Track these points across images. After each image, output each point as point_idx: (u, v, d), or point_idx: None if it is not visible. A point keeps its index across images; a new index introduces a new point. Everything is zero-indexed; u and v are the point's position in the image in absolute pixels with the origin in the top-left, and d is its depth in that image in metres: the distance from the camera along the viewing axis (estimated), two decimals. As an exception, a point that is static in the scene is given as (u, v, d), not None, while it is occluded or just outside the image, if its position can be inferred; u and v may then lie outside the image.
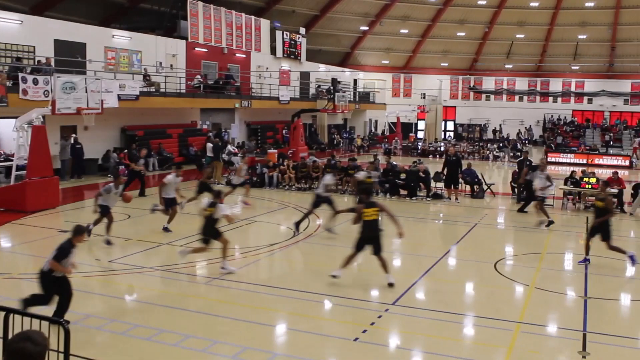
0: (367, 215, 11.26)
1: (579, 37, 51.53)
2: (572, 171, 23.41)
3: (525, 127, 55.47)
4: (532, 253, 14.76)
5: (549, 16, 50.80)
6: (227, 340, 8.73)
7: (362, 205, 11.63)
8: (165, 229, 15.45)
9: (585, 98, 55.96)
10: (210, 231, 12.04)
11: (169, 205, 15.72)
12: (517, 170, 22.96)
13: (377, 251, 11.34)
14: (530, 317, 10.19)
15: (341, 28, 50.62)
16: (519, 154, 33.02)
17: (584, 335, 9.27)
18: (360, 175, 19.31)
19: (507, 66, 56.04)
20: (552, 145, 47.50)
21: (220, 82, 33.85)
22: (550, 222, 17.54)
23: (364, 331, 9.27)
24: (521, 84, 57.14)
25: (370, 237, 11.33)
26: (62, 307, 8.86)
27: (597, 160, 38.42)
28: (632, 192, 21.78)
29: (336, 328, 9.51)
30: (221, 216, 12.06)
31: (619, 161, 38.31)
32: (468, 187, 23.55)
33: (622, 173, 26.39)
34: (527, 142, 51.66)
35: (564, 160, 38.89)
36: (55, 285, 8.83)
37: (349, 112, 47.22)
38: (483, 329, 9.65)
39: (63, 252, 8.85)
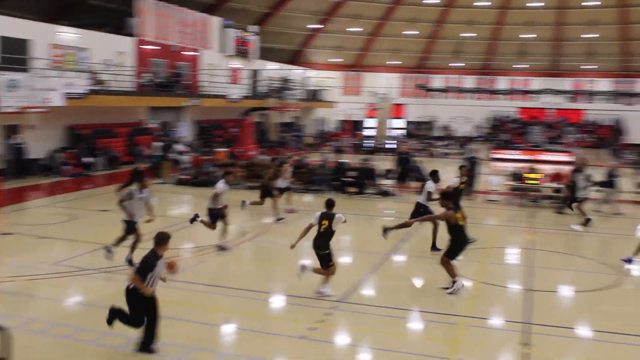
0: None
1: (525, 36, 52.57)
2: (531, 167, 23.83)
3: (474, 125, 56.34)
4: (478, 248, 15.03)
5: (496, 15, 51.69)
6: (175, 341, 8.67)
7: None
8: (221, 248, 13.85)
9: (531, 96, 57.21)
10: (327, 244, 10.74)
11: (218, 218, 13.93)
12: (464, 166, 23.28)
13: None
14: (476, 311, 10.40)
15: (292, 26, 50.60)
16: (467, 151, 33.53)
17: (528, 327, 9.51)
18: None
19: (456, 64, 56.89)
20: (499, 142, 48.32)
21: (170, 81, 33.52)
22: (588, 220, 17.67)
23: (312, 329, 9.33)
24: (469, 81, 58.08)
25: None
26: (149, 334, 8.15)
27: (541, 157, 39.28)
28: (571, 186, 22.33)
29: (284, 326, 9.54)
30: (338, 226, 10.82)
31: (562, 157, 39.25)
32: (416, 184, 23.86)
33: (566, 169, 27.03)
34: (475, 139, 52.47)
35: (510, 157, 39.64)
36: (142, 304, 8.02)
37: (299, 110, 47.25)
38: (430, 323, 9.82)
39: (147, 265, 7.94)
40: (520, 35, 52.44)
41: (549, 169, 25.90)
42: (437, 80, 58.50)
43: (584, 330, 9.81)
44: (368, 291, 11.63)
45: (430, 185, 14.52)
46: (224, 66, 39.44)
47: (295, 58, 54.56)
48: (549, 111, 56.59)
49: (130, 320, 8.21)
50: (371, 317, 10.10)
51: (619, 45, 52.24)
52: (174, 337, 8.77)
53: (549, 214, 20.24)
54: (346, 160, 25.80)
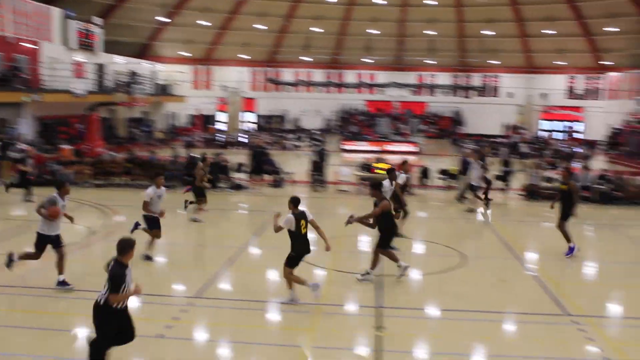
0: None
1: (371, 32, 54.41)
2: (380, 158, 24.76)
3: (323, 118, 57.57)
4: (330, 237, 15.46)
5: (343, 11, 53.07)
6: (21, 351, 8.26)
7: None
8: (147, 257, 12.66)
9: (377, 89, 59.43)
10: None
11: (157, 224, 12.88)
12: (315, 160, 23.85)
13: None
14: (331, 298, 10.72)
15: (140, 18, 49.08)
16: (317, 143, 34.32)
17: (378, 311, 9.95)
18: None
19: (305, 59, 57.83)
20: (347, 134, 49.71)
21: (6, 75, 31.43)
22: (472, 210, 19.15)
23: (169, 327, 9.22)
24: (319, 75, 59.30)
25: None
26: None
27: (388, 147, 40.95)
28: (421, 175, 23.59)
29: (139, 326, 9.32)
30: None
31: (408, 147, 41.17)
32: (269, 177, 24.13)
33: (411, 158, 28.37)
34: (324, 132, 53.63)
35: (359, 148, 40.99)
36: (114, 320, 7.33)
37: (148, 105, 46.05)
38: (287, 314, 9.99)
39: (117, 279, 7.19)
40: (367, 31, 54.20)
41: (396, 158, 27.04)
42: (287, 74, 59.19)
43: (431, 310, 10.39)
44: (224, 285, 11.64)
45: (385, 185, 14.31)
46: (67, 60, 37.55)
47: (143, 52, 53.04)
48: (394, 103, 59.07)
49: (102, 343, 7.39)
50: (228, 311, 10.14)
51: (456, 41, 55.46)
52: (19, 348, 8.36)
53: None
54: (198, 155, 25.53)
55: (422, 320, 9.96)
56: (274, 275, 12.32)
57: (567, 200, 13.94)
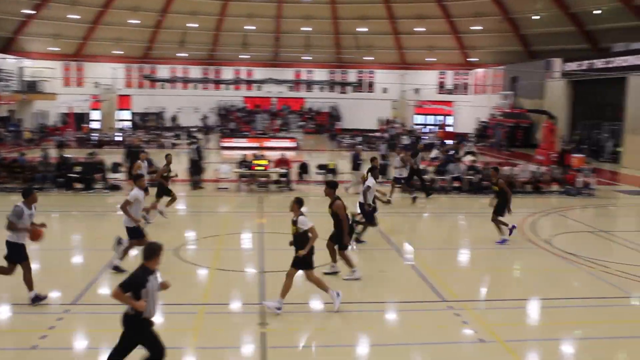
0: None
1: (248, 27, 54.21)
2: (257, 154, 24.67)
3: (201, 115, 56.76)
4: (211, 236, 15.33)
5: (219, 7, 52.54)
6: None
7: None
8: (116, 268, 11.82)
9: (255, 85, 59.39)
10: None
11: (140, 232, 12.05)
12: (193, 158, 23.45)
13: None
14: (214, 297, 10.62)
15: (3, 10, 46.21)
16: (195, 141, 33.76)
17: (264, 308, 9.95)
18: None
19: (181, 55, 56.82)
20: (226, 131, 49.39)
21: None
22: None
23: (43, 337, 8.78)
24: (195, 72, 58.47)
25: None
26: None
27: (267, 144, 40.98)
28: (300, 170, 23.79)
29: (9, 338, 8.83)
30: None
31: (287, 143, 41.39)
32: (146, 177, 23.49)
33: (290, 154, 28.57)
34: (202, 129, 52.90)
35: (238, 145, 40.71)
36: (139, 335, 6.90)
37: (14, 103, 43.61)
38: (169, 315, 9.78)
39: (133, 279, 6.83)
40: (244, 27, 53.94)
41: (275, 154, 27.10)
42: (163, 71, 57.99)
43: (314, 304, 10.50)
44: (102, 290, 11.23)
45: (371, 182, 14.29)
46: None
47: (7, 46, 50.07)
48: (272, 99, 59.30)
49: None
50: (107, 316, 9.76)
51: (331, 38, 56.34)
52: None
53: (277, 197, 21.25)
54: (70, 156, 24.46)
55: (306, 314, 10.06)
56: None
57: (501, 197, 14.87)
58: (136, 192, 11.97)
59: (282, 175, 22.90)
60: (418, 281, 11.79)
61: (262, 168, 22.64)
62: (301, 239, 9.94)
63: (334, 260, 11.90)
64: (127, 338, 6.95)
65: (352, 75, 60.15)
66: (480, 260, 14.08)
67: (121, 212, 11.94)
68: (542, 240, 15.44)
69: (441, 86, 59.48)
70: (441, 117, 58.53)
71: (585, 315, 10.27)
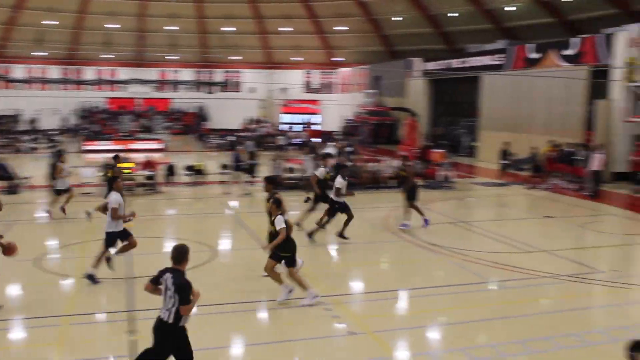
0: None
1: (110, 26, 52.35)
2: (115, 156, 23.89)
3: (62, 117, 54.30)
4: (75, 243, 14.75)
5: (79, 4, 50.36)
6: None
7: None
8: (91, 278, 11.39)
9: (119, 86, 57.61)
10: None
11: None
12: (53, 162, 22.43)
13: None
14: (79, 307, 10.24)
15: None
16: (55, 144, 32.33)
17: (132, 315, 9.72)
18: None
19: (39, 54, 54.02)
20: (89, 134, 47.52)
21: None
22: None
23: None
24: (55, 72, 55.85)
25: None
26: None
27: (133, 146, 39.89)
28: (167, 172, 23.35)
29: None
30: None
31: (153, 145, 40.50)
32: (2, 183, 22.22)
33: (156, 156, 28.00)
34: (63, 132, 50.63)
35: (102, 148, 39.28)
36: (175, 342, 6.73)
37: None
38: (31, 329, 9.34)
39: (187, 288, 6.90)
40: (105, 25, 52.04)
41: (141, 157, 26.47)
42: (19, 70, 54.96)
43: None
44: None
45: (338, 181, 14.68)
46: None
47: None
48: (137, 100, 57.74)
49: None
50: None
51: (197, 37, 55.63)
52: None
53: (144, 200, 20.75)
54: None
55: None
56: (16, 289, 11.45)
57: (407, 184, 16.71)
58: (117, 197, 11.91)
59: (148, 177, 22.39)
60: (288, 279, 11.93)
61: (128, 171, 22.03)
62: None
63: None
64: (164, 347, 6.83)
65: (219, 75, 59.72)
66: (348, 255, 14.45)
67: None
68: (406, 233, 16.08)
69: (308, 85, 60.34)
70: (308, 116, 59.36)
71: (448, 302, 10.81)
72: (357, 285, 12.22)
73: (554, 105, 29.99)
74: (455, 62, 39.29)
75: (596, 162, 22.86)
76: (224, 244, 15.55)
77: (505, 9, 38.81)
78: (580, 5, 34.64)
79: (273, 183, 12.37)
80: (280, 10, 52.43)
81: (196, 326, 9.46)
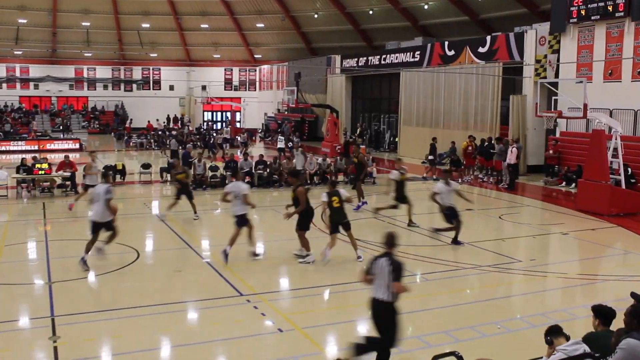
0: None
1: (20, 21, 50.42)
2: (23, 158, 23.07)
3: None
4: (-9, 248, 14.17)
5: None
6: None
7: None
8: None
9: (32, 84, 55.55)
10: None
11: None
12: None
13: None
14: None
15: None
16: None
17: (53, 320, 9.43)
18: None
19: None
20: (1, 134, 45.72)
21: None
22: None
23: None
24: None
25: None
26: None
27: (49, 146, 38.63)
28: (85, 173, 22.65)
29: None
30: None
31: (70, 145, 39.33)
32: None
33: (74, 156, 27.20)
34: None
35: (15, 148, 37.88)
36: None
37: None
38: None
39: (402, 269, 7.43)
40: (17, 20, 50.08)
41: (58, 157, 25.66)
42: None
43: (110, 310, 10.15)
44: None
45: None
46: None
47: None
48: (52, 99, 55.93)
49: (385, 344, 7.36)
50: None
51: (114, 34, 54.32)
52: None
53: (62, 202, 20.13)
54: None
55: (101, 322, 9.66)
56: None
57: (359, 169, 19.72)
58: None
59: (66, 178, 21.70)
60: (215, 278, 11.85)
61: (44, 172, 21.30)
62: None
63: (307, 247, 13.20)
64: (386, 326, 7.38)
65: (137, 73, 58.49)
66: (275, 252, 14.45)
67: None
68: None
69: (228, 83, 59.88)
70: (229, 114, 58.96)
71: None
72: (283, 282, 12.25)
73: (470, 101, 30.88)
74: (375, 59, 39.85)
75: (512, 155, 23.68)
76: (148, 245, 15.27)
77: (421, 6, 39.71)
78: (492, 4, 35.79)
79: (297, 176, 14.19)
80: (198, 7, 51.88)
81: (123, 330, 9.30)
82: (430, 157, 27.56)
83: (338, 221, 13.06)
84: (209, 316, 9.94)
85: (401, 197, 16.83)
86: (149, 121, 49.94)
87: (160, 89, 58.72)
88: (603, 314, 6.18)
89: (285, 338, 8.98)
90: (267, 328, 9.40)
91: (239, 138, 41.11)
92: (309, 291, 11.21)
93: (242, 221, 13.00)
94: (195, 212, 17.52)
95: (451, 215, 14.59)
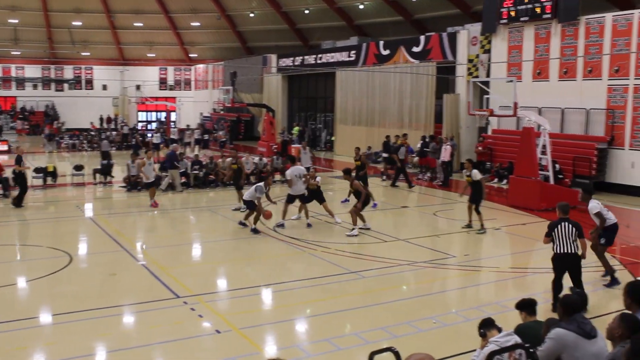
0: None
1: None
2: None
3: None
4: None
5: None
6: None
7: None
8: None
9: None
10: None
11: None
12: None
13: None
14: None
15: None
16: None
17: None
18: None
19: None
20: None
21: None
22: None
23: None
24: None
25: None
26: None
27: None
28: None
29: None
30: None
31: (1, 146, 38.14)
32: None
33: (2, 158, 26.37)
34: None
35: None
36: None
37: None
38: None
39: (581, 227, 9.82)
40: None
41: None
42: None
43: (43, 317, 9.89)
44: None
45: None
46: None
47: None
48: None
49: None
50: None
51: (43, 32, 52.78)
52: None
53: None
54: None
55: (34, 329, 9.40)
56: None
57: (362, 170, 20.39)
58: None
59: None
60: (151, 280, 11.68)
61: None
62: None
63: (363, 220, 15.98)
64: (578, 269, 9.80)
65: (68, 72, 57.01)
66: (212, 253, 14.36)
67: None
68: (267, 228, 16.21)
69: (163, 82, 59.03)
70: (164, 114, 58.15)
71: (312, 294, 11.03)
72: (221, 283, 12.18)
73: (405, 100, 31.35)
74: (310, 59, 39.97)
75: (446, 153, 24.14)
76: (82, 248, 14.93)
77: (357, 6, 40.04)
78: (426, 4, 36.39)
79: (349, 173, 16.54)
80: (130, 5, 50.97)
81: (57, 337, 9.08)
82: (384, 155, 27.60)
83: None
84: (146, 319, 9.80)
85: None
86: (92, 123, 49.04)
87: (92, 89, 57.37)
88: (525, 305, 6.58)
89: (224, 339, 8.94)
90: (205, 330, 9.33)
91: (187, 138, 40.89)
92: (246, 291, 11.17)
93: (305, 198, 16.81)
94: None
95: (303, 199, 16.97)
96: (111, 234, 15.55)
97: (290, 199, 16.79)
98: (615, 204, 19.86)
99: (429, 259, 13.43)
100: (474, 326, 6.31)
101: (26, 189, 19.33)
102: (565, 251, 9.57)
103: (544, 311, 9.28)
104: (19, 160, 19.41)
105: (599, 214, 11.43)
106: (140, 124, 54.72)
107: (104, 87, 56.85)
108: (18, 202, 18.89)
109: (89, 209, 19.88)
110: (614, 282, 11.33)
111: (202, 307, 10.11)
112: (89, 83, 57.47)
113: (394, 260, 13.23)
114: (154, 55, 57.06)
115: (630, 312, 5.54)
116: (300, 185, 16.59)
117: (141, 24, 52.65)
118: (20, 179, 19.10)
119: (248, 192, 15.87)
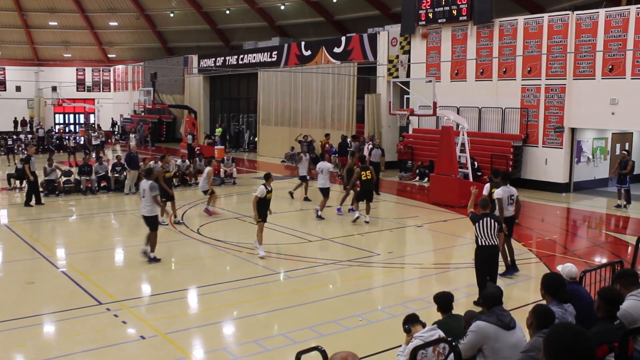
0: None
1: None
2: None
3: None
4: None
5: None
6: None
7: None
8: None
9: None
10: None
11: None
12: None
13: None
14: None
15: None
16: None
17: None
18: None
19: None
20: None
21: None
22: None
23: None
24: None
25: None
26: None
27: None
28: None
29: None
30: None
31: None
32: None
33: None
34: None
35: None
36: None
37: None
38: None
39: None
40: None
41: None
42: None
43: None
44: None
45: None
46: None
47: None
48: None
49: None
50: None
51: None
52: None
53: None
54: None
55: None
56: None
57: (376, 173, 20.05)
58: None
59: None
60: (72, 287, 11.35)
61: None
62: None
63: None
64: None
65: (-22, 72, 54.70)
66: (134, 258, 14.06)
67: None
68: (191, 230, 16.04)
69: (81, 83, 57.39)
70: (83, 116, 56.57)
71: (238, 296, 10.97)
72: (144, 288, 11.96)
73: (327, 100, 31.59)
74: (232, 59, 39.74)
75: (375, 154, 24.40)
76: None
77: (278, 7, 40.08)
78: (346, 6, 36.79)
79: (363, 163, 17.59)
80: (44, 3, 49.37)
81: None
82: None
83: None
84: (67, 328, 9.52)
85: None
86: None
87: (5, 90, 55.16)
88: (438, 303, 6.76)
89: (149, 345, 8.78)
90: (130, 336, 9.15)
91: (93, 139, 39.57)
92: (170, 295, 11.01)
93: (327, 192, 18.13)
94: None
95: None
96: (28, 241, 15.03)
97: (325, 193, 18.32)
98: (531, 199, 20.64)
99: (354, 258, 13.58)
100: (399, 322, 6.43)
101: None
102: (488, 244, 9.99)
103: (464, 305, 9.57)
104: (27, 160, 19.82)
105: (499, 201, 12.01)
106: (57, 127, 52.98)
107: (18, 89, 54.77)
108: None
109: (3, 216, 19.14)
110: (509, 271, 11.91)
111: (125, 313, 9.91)
112: (2, 84, 55.26)
113: (320, 259, 13.32)
114: (70, 55, 55.41)
115: (545, 302, 5.81)
116: (325, 180, 18.22)
117: (56, 23, 51.05)
118: None
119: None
